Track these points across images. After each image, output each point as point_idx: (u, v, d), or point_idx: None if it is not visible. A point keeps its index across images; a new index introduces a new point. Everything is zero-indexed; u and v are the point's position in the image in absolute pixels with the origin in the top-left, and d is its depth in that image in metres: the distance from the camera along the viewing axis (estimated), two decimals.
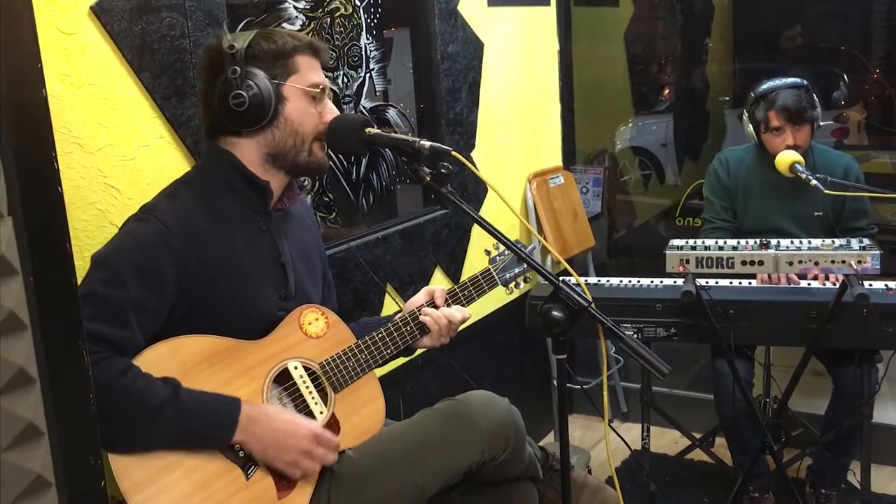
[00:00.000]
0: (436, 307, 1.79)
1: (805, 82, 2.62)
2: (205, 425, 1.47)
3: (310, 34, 2.31)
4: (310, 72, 1.63)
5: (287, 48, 1.60)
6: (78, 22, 1.64)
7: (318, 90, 1.63)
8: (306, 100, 1.62)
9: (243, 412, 1.50)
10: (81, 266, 1.61)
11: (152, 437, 1.45)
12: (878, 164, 3.85)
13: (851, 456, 2.58)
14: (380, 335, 1.72)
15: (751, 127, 2.67)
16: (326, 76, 1.69)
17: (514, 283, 1.90)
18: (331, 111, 1.66)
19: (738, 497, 2.51)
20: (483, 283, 1.85)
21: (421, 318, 1.77)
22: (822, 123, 2.68)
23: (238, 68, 1.55)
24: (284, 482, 1.57)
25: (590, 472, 2.98)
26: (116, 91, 1.72)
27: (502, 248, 1.85)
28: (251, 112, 1.56)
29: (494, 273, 1.86)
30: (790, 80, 2.62)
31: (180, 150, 1.86)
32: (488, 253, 1.88)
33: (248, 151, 1.63)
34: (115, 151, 1.72)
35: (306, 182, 2.34)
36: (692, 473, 2.99)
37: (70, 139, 1.64)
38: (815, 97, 2.60)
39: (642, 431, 2.59)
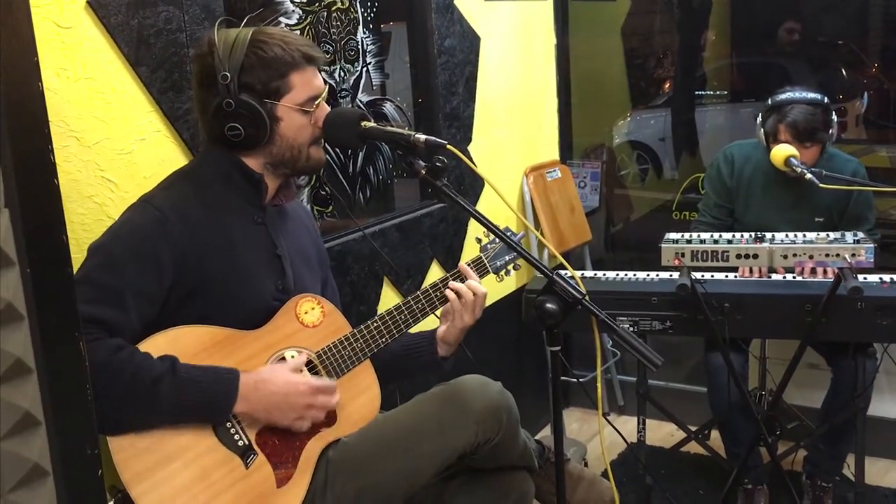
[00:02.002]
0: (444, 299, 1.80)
1: (825, 100, 2.52)
2: (204, 398, 1.48)
3: (306, 28, 2.32)
4: (304, 88, 1.62)
5: (279, 65, 1.59)
6: (74, 16, 1.65)
7: (312, 105, 1.63)
8: (301, 115, 1.63)
9: (242, 381, 1.52)
10: (78, 259, 1.62)
11: (151, 413, 1.46)
12: (876, 157, 3.85)
13: (846, 448, 2.59)
14: (375, 324, 1.73)
15: (762, 132, 2.61)
16: (323, 71, 1.70)
17: (504, 271, 1.91)
18: (323, 112, 1.67)
19: (733, 489, 2.53)
20: (475, 270, 1.86)
21: (447, 292, 1.77)
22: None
23: (231, 101, 1.55)
24: (283, 470, 1.59)
25: (586, 464, 3.00)
26: (113, 85, 1.73)
27: (493, 235, 1.86)
28: (246, 140, 1.59)
29: (486, 261, 1.87)
30: (809, 95, 2.52)
31: (177, 144, 1.86)
32: (479, 241, 1.90)
33: (250, 161, 1.65)
34: (112, 145, 1.73)
35: (302, 179, 2.36)
36: (687, 466, 3.01)
37: (67, 133, 1.64)
38: (832, 116, 2.53)
39: (638, 424, 2.60)
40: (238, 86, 1.56)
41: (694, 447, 2.73)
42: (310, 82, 1.64)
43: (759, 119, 2.63)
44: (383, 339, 1.74)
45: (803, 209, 2.65)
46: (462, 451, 1.68)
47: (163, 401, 1.45)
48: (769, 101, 2.59)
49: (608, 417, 3.43)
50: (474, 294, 1.78)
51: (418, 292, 1.79)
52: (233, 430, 1.55)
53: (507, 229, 1.82)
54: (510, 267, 1.91)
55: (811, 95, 2.53)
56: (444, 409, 1.70)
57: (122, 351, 1.44)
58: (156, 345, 1.50)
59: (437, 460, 1.67)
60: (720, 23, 4.43)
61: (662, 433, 3.21)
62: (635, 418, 2.62)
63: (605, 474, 2.12)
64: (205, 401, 1.49)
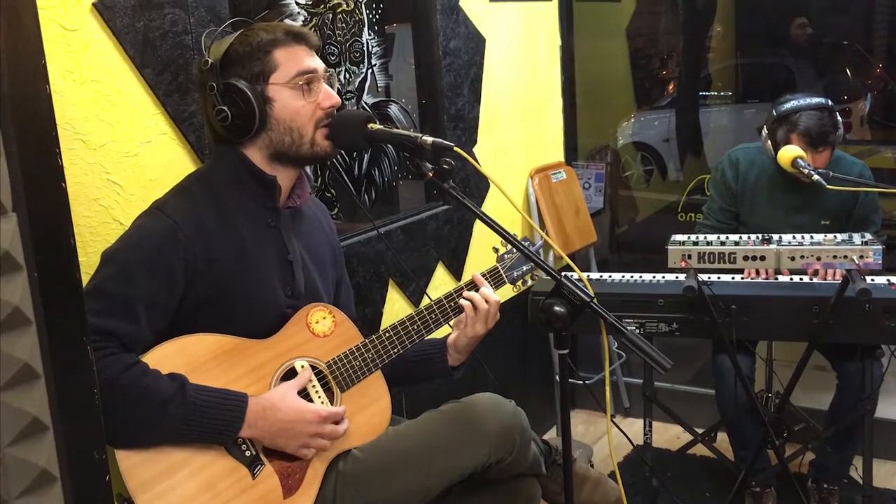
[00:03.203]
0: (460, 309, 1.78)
1: (829, 103, 2.50)
2: (211, 421, 1.47)
3: (311, 30, 2.31)
4: (290, 63, 1.59)
5: (262, 45, 1.57)
6: (80, 18, 1.64)
7: (303, 80, 1.60)
8: (295, 94, 1.60)
9: (250, 408, 1.50)
10: (85, 262, 1.62)
11: (158, 433, 1.45)
12: (880, 158, 3.83)
13: (854, 451, 2.58)
14: (387, 334, 1.71)
15: (769, 143, 2.57)
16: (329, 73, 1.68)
17: (521, 281, 1.89)
18: (327, 96, 1.63)
19: (740, 492, 2.51)
20: (491, 281, 1.84)
21: (462, 301, 1.74)
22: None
23: (214, 84, 1.55)
24: (290, 481, 1.57)
25: (592, 466, 2.99)
26: (119, 87, 1.72)
27: (510, 245, 1.84)
28: (237, 125, 1.57)
29: (502, 271, 1.84)
30: (814, 100, 2.49)
31: (183, 147, 1.86)
32: (496, 250, 1.86)
33: (252, 153, 1.63)
34: (117, 148, 1.73)
35: (318, 182, 2.35)
36: (694, 468, 2.99)
37: (73, 135, 1.64)
38: (838, 118, 2.50)
39: (644, 426, 2.59)
40: (225, 74, 1.55)
41: (701, 449, 2.71)
42: (296, 58, 1.60)
43: (765, 131, 2.59)
44: (395, 350, 1.71)
45: (809, 212, 2.64)
46: (473, 470, 1.67)
47: (170, 422, 1.44)
48: (773, 112, 2.55)
49: (614, 419, 3.42)
50: (487, 303, 1.75)
51: (432, 302, 1.76)
52: (240, 440, 1.54)
53: (526, 239, 1.81)
54: (527, 277, 1.88)
55: (815, 100, 2.50)
56: (456, 429, 1.68)
57: (133, 368, 1.43)
58: (164, 353, 1.49)
59: (447, 478, 1.66)
60: (725, 23, 4.42)
61: (669, 435, 3.20)
62: (641, 420, 2.61)
63: (612, 476, 2.11)
64: (210, 425, 1.47)
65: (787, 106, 2.51)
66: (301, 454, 1.57)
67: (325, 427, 1.57)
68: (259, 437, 1.53)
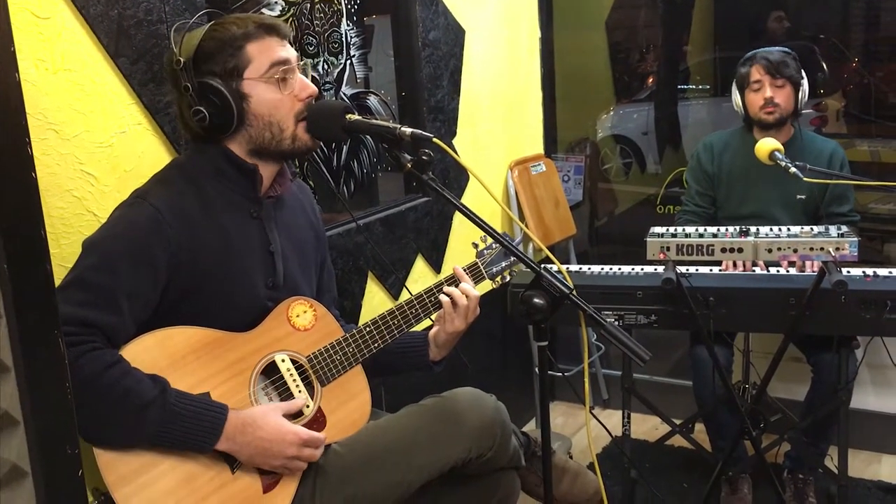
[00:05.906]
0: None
1: (792, 51, 2.66)
2: (188, 431, 1.45)
3: (289, 20, 2.29)
4: (263, 56, 1.57)
5: (233, 40, 1.54)
6: (53, 6, 1.61)
7: (278, 73, 1.57)
8: (271, 87, 1.58)
9: (229, 422, 1.48)
10: (58, 253, 1.60)
11: (134, 435, 1.43)
12: (856, 152, 3.87)
13: (829, 441, 2.61)
14: (367, 329, 1.71)
15: (737, 96, 2.70)
16: (307, 62, 1.67)
17: (500, 277, 1.89)
18: (303, 87, 1.61)
19: (718, 482, 2.53)
20: (470, 276, 1.83)
21: (441, 297, 1.75)
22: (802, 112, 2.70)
23: (189, 85, 1.53)
24: (270, 477, 1.56)
25: (571, 458, 3.00)
26: (93, 77, 1.69)
27: (490, 240, 1.84)
28: (215, 123, 1.55)
29: (482, 267, 1.84)
30: (777, 47, 2.68)
31: (158, 137, 1.83)
32: (476, 246, 1.86)
33: (233, 147, 1.62)
34: (91, 138, 1.70)
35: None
36: (672, 459, 3.02)
37: (45, 125, 1.61)
38: (802, 71, 2.64)
39: (623, 418, 2.60)
40: (198, 72, 1.53)
41: (679, 440, 2.73)
42: (269, 50, 1.58)
43: (734, 82, 2.72)
44: (376, 345, 1.71)
45: (785, 188, 2.69)
46: (454, 465, 1.67)
47: (148, 426, 1.42)
48: (740, 61, 2.72)
49: (593, 411, 3.44)
50: (467, 298, 1.75)
51: (412, 297, 1.76)
52: None
53: (505, 235, 1.81)
54: (507, 272, 1.88)
55: (778, 47, 2.69)
56: (437, 424, 1.68)
57: (115, 367, 1.41)
58: (144, 346, 1.47)
59: (427, 473, 1.66)
60: (703, 18, 4.44)
61: (647, 427, 3.22)
62: (619, 412, 2.62)
63: (591, 467, 2.11)
64: (187, 436, 1.45)
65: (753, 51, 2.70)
66: (278, 471, 1.56)
67: (304, 451, 1.56)
68: (236, 451, 1.50)
